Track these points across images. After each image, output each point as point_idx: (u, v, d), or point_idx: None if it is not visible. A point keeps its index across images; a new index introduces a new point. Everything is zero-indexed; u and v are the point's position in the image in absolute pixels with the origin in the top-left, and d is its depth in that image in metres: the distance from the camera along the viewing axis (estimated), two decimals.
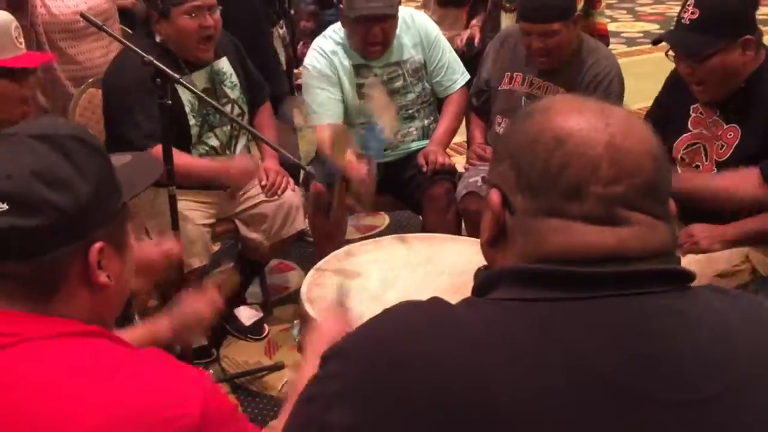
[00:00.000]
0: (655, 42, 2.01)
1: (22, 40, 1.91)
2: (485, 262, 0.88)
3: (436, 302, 0.79)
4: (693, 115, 2.04)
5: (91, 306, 0.92)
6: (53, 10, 2.59)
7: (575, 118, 0.78)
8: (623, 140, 0.77)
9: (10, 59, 1.84)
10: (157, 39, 2.26)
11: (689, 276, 0.78)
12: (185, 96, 2.36)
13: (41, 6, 2.57)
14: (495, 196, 0.82)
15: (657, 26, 7.90)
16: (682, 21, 1.89)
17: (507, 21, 3.03)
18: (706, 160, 2.00)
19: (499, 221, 0.82)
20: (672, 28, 1.97)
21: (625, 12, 8.98)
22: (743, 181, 1.84)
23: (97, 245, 0.90)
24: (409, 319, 0.77)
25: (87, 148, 0.91)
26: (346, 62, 2.58)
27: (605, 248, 0.75)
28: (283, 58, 3.46)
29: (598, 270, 0.74)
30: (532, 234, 0.78)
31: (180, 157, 2.12)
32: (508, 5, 3.01)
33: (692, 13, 1.86)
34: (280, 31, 3.57)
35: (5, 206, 0.84)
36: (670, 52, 1.94)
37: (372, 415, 0.71)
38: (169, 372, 0.86)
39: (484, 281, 0.82)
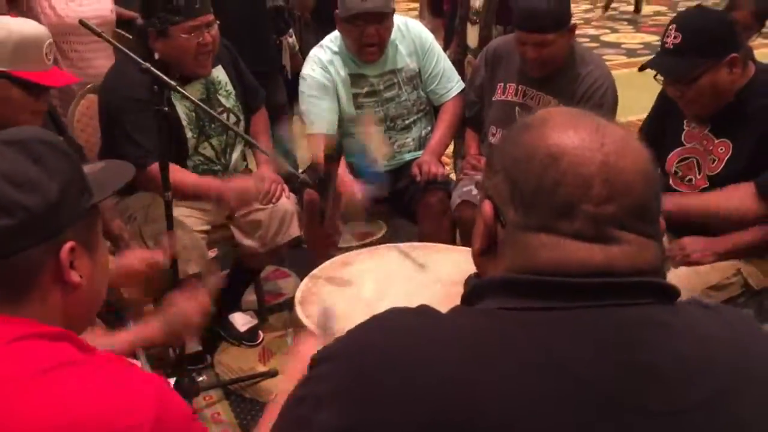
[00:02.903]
0: (642, 68, 2.03)
1: (51, 57, 1.96)
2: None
3: (424, 309, 0.81)
4: (686, 129, 2.06)
5: (64, 307, 0.94)
6: (59, 12, 2.63)
7: (571, 136, 0.79)
8: (617, 160, 0.77)
9: (35, 74, 1.88)
10: (156, 56, 2.25)
11: (674, 291, 0.79)
12: (182, 109, 2.37)
13: (49, 7, 2.60)
14: (488, 207, 0.83)
15: (657, 38, 7.92)
16: (666, 46, 1.92)
17: (472, 33, 3.05)
18: (699, 174, 2.01)
19: (491, 233, 0.83)
20: (657, 53, 2.00)
21: (626, 23, 9.02)
22: (737, 198, 1.85)
23: (69, 244, 0.92)
24: (398, 325, 0.79)
25: (54, 150, 0.94)
26: (343, 72, 2.59)
27: (593, 265, 0.76)
28: (289, 67, 3.49)
29: (584, 280, 0.75)
30: (522, 248, 0.79)
31: (177, 174, 2.13)
32: (473, 18, 3.04)
33: (675, 37, 1.89)
34: (290, 40, 3.61)
35: None
36: (659, 76, 1.96)
37: (359, 417, 0.72)
38: (123, 378, 0.87)
39: (473, 290, 0.83)
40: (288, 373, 1.24)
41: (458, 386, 0.70)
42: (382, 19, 2.47)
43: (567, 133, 0.79)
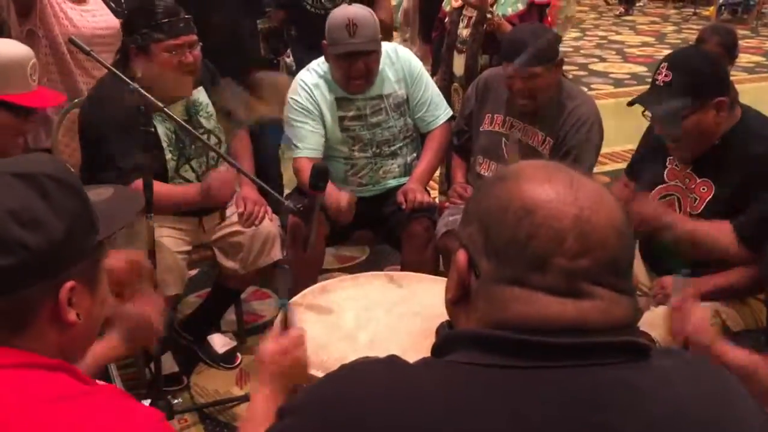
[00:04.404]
0: (630, 103, 2.04)
1: (36, 77, 1.96)
2: None
3: (393, 362, 0.80)
4: (669, 166, 2.08)
5: (59, 342, 0.92)
6: (76, 23, 2.63)
7: (546, 189, 0.79)
8: (591, 215, 0.78)
9: (20, 96, 1.88)
10: (138, 74, 2.24)
11: (645, 348, 0.79)
12: (162, 130, 2.36)
13: (65, 19, 2.60)
14: (462, 257, 0.83)
15: (645, 68, 8.02)
16: (656, 83, 1.93)
17: (459, 62, 3.07)
18: (680, 212, 2.02)
19: (464, 283, 0.82)
20: (647, 90, 2.01)
21: (613, 53, 9.12)
22: (723, 233, 1.87)
23: (68, 284, 0.91)
24: (366, 380, 0.78)
25: (65, 188, 0.92)
26: (329, 95, 2.60)
27: (565, 320, 0.76)
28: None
29: (554, 340, 0.75)
30: (494, 300, 0.79)
31: (159, 187, 2.10)
32: (460, 46, 3.06)
33: (666, 75, 1.91)
34: (287, 60, 3.61)
35: None
36: (647, 112, 1.98)
37: None
38: (121, 411, 0.86)
39: (443, 342, 0.83)
40: (253, 381, 1.27)
41: None
42: (371, 54, 2.48)
43: (542, 186, 0.79)
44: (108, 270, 1.51)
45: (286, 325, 1.29)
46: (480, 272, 0.80)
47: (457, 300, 0.84)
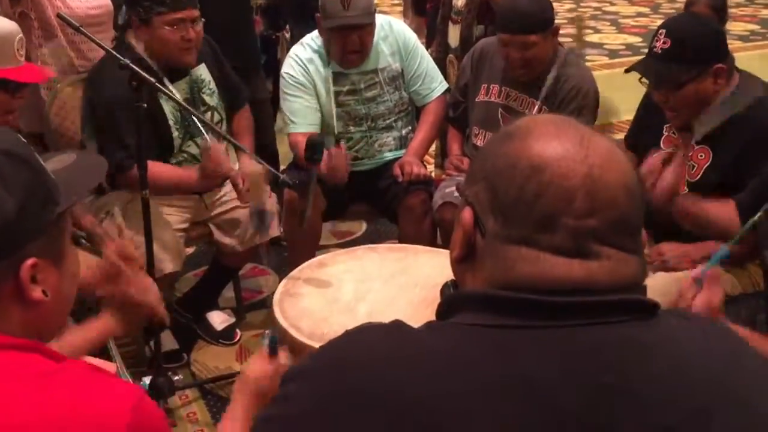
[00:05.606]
0: (628, 70, 2.02)
1: (23, 52, 1.95)
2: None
3: (398, 326, 0.79)
4: (666, 133, 2.07)
5: (25, 322, 0.88)
6: (69, 3, 2.59)
7: (554, 147, 0.76)
8: (601, 173, 0.75)
9: (7, 70, 1.87)
10: (137, 48, 2.20)
11: (652, 306, 0.78)
12: (168, 108, 2.35)
13: (59, 0, 2.57)
14: (467, 214, 0.81)
15: (639, 39, 7.97)
16: (654, 50, 1.91)
17: (454, 32, 3.04)
18: None
19: (470, 241, 0.81)
20: (644, 57, 1.99)
21: (608, 23, 9.06)
22: (727, 212, 1.85)
23: (29, 261, 0.86)
24: (371, 344, 0.77)
25: (15, 162, 0.87)
26: (323, 70, 2.58)
27: (573, 280, 0.75)
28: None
29: (560, 299, 0.74)
30: (501, 259, 0.77)
31: (154, 168, 2.10)
32: (455, 17, 3.03)
33: (664, 42, 1.88)
34: (287, 36, 3.58)
35: None
36: (644, 79, 1.96)
37: None
38: (97, 387, 0.84)
39: (448, 303, 0.82)
40: (234, 392, 1.26)
41: (427, 408, 0.70)
42: (365, 27, 2.46)
43: (550, 144, 0.77)
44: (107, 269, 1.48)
45: (273, 350, 1.30)
46: (486, 231, 0.79)
47: (463, 258, 0.82)
